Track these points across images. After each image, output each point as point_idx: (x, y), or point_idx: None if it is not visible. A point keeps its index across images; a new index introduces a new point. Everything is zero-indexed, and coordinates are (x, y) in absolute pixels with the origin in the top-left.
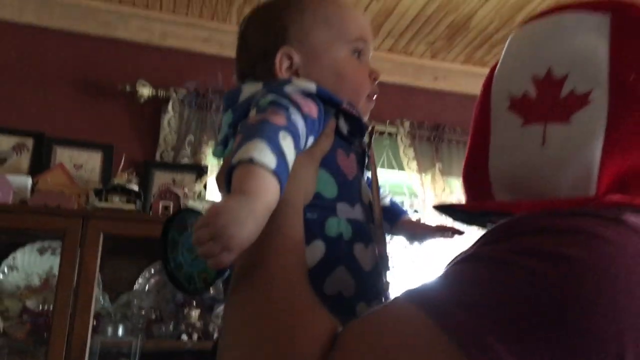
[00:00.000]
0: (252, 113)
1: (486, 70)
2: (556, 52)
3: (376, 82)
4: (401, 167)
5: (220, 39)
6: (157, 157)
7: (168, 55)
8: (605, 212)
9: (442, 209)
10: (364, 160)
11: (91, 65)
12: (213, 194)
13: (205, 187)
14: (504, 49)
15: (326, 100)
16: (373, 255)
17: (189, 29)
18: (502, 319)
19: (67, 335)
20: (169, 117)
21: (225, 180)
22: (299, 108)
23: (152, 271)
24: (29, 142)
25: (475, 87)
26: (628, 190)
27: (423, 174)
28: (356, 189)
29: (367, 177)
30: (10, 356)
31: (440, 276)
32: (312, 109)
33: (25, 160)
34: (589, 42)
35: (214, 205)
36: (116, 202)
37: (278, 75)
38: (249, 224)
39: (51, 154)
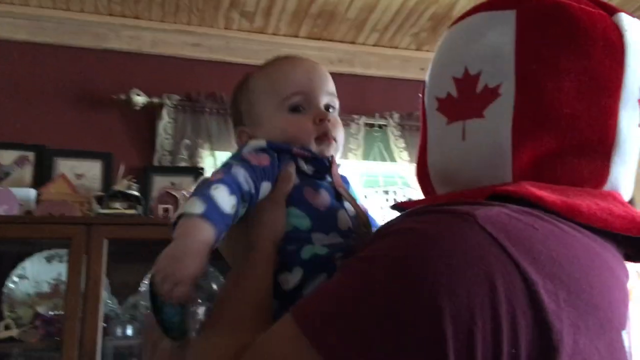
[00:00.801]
0: None
1: None
2: (470, 52)
3: (323, 123)
4: (393, 159)
5: (210, 44)
6: (155, 162)
7: (159, 62)
8: (465, 207)
9: (396, 207)
10: (338, 191)
11: (86, 77)
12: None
13: None
14: (434, 55)
15: (277, 149)
16: None
17: (178, 36)
18: (354, 330)
19: (79, 338)
20: (164, 122)
21: (171, 231)
22: (247, 162)
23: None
24: (31, 156)
25: None
26: (541, 174)
27: (414, 164)
28: (331, 219)
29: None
30: None
31: (324, 285)
32: (262, 160)
33: (28, 173)
34: (497, 38)
35: (161, 253)
36: (118, 208)
37: (238, 146)
38: (186, 259)
39: (52, 166)
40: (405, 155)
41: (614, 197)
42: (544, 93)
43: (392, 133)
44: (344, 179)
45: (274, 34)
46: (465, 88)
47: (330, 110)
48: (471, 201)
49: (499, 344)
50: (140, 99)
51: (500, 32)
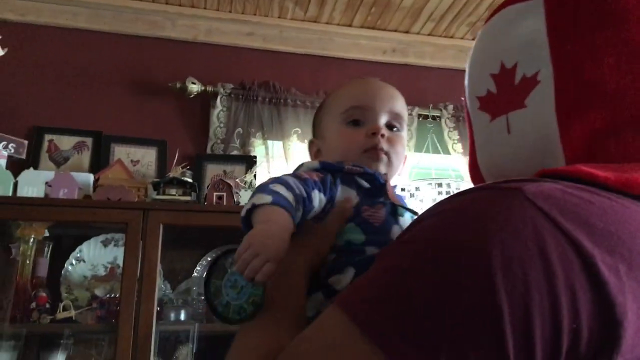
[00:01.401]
0: None
1: None
2: (504, 46)
3: (375, 137)
4: (446, 151)
5: (264, 33)
6: (208, 150)
7: (214, 51)
8: (509, 183)
9: None
10: (395, 208)
11: (142, 65)
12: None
13: (255, 176)
14: (469, 54)
15: (331, 169)
16: None
17: (233, 25)
18: (400, 314)
19: (134, 321)
20: (218, 111)
21: (243, 227)
22: (297, 176)
23: (209, 259)
24: (89, 141)
25: None
26: (594, 155)
27: (468, 157)
28: (385, 234)
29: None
30: (80, 342)
31: (366, 274)
32: (312, 175)
33: (85, 158)
34: (528, 27)
35: (248, 235)
36: (173, 194)
37: (310, 156)
38: (275, 239)
39: (109, 152)
40: (459, 147)
41: None
42: (583, 72)
43: (446, 124)
44: (400, 198)
45: (328, 23)
46: (504, 82)
47: (394, 129)
48: (517, 179)
49: (558, 319)
50: (195, 87)
51: (531, 21)
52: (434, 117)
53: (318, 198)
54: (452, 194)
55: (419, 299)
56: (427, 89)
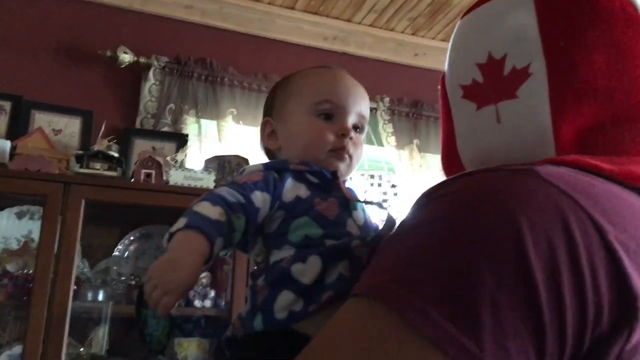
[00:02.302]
0: None
1: None
2: (492, 36)
3: (345, 138)
4: (380, 143)
5: (203, 7)
6: (137, 124)
7: (150, 21)
8: (519, 165)
9: None
10: (347, 202)
11: (72, 29)
12: (193, 162)
13: (185, 155)
14: (450, 42)
15: (275, 169)
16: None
17: None
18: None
19: (49, 300)
20: (150, 84)
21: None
22: (234, 183)
23: (132, 238)
24: (7, 105)
25: None
26: (584, 148)
27: (401, 150)
28: (341, 227)
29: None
30: None
31: (377, 258)
32: (252, 177)
33: (2, 123)
34: (518, 20)
35: (153, 264)
36: (97, 168)
37: (263, 138)
38: (178, 269)
39: (29, 118)
40: (392, 140)
41: None
42: (576, 68)
43: (382, 117)
44: (351, 191)
45: (270, 4)
46: (491, 72)
47: (357, 130)
48: (521, 163)
49: (583, 292)
50: (127, 57)
51: (521, 15)
52: (370, 109)
53: (261, 198)
54: (383, 185)
55: (456, 276)
56: (365, 79)
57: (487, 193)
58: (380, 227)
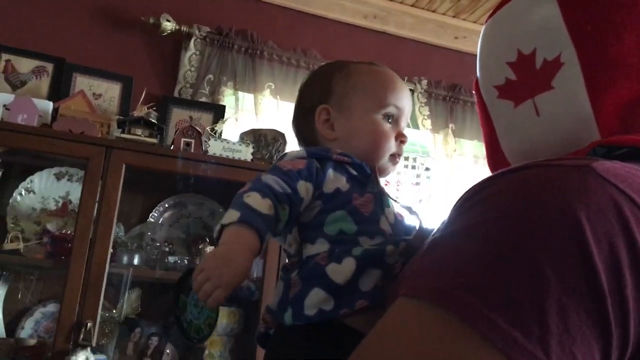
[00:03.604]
0: None
1: None
2: (518, 34)
3: (403, 145)
4: (415, 126)
5: None
6: (176, 93)
7: None
8: (574, 160)
9: None
10: (382, 198)
11: None
12: (229, 134)
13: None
14: (478, 47)
15: (317, 157)
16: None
17: None
18: (485, 285)
19: (87, 261)
20: (190, 54)
21: (215, 242)
22: (279, 169)
23: (167, 205)
24: (49, 67)
25: None
26: (628, 126)
27: (436, 134)
28: (375, 224)
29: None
30: (27, 276)
31: (429, 257)
32: (296, 164)
33: (44, 84)
34: (542, 14)
35: (206, 256)
36: (139, 134)
37: (316, 124)
38: (233, 263)
39: (71, 81)
40: (428, 123)
41: None
42: (607, 49)
43: (418, 99)
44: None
45: None
46: (523, 68)
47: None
48: (574, 157)
49: None
50: (169, 25)
51: (544, 9)
52: None
53: (304, 188)
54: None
55: (521, 281)
56: (403, 60)
57: (544, 190)
58: (413, 229)
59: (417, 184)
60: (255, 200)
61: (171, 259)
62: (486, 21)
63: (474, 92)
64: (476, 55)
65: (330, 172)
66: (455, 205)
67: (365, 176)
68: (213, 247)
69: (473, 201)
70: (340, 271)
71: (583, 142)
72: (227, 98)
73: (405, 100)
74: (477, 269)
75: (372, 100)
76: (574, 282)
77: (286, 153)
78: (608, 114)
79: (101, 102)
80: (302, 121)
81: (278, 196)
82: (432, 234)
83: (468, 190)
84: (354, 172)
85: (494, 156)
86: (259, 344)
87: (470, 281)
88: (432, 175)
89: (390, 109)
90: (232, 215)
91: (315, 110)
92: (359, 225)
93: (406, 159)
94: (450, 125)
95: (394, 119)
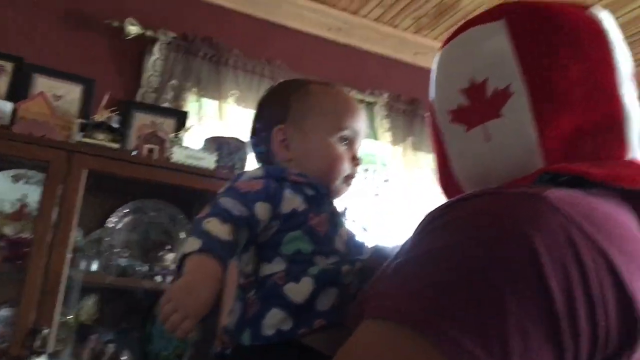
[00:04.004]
0: None
1: None
2: (472, 63)
3: (356, 167)
4: (375, 137)
5: None
6: (138, 98)
7: None
8: (527, 188)
9: None
10: (336, 217)
11: None
12: (193, 140)
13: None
14: (433, 72)
15: (274, 177)
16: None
17: None
18: (446, 303)
19: (45, 266)
20: (154, 59)
21: (177, 271)
22: (236, 190)
23: (126, 211)
24: (8, 66)
25: None
26: (569, 155)
27: (396, 146)
28: (330, 243)
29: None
30: None
31: (395, 280)
32: (253, 185)
33: (3, 84)
34: (494, 46)
35: (171, 286)
36: (101, 139)
37: (273, 144)
38: (198, 293)
39: (30, 82)
40: (387, 136)
41: (638, 163)
42: (553, 82)
43: (379, 112)
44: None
45: None
46: (476, 95)
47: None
48: (524, 184)
49: (595, 318)
50: (133, 29)
51: (496, 40)
52: (368, 103)
53: (263, 209)
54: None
55: (485, 306)
56: (366, 73)
57: (501, 218)
58: (364, 247)
59: (377, 195)
60: (215, 227)
61: (129, 265)
62: (441, 48)
63: (428, 113)
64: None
65: (287, 192)
66: (416, 229)
67: (321, 196)
68: (173, 254)
69: (434, 225)
70: (299, 291)
71: (529, 168)
72: (190, 104)
73: (361, 123)
74: (442, 293)
75: (329, 123)
76: (531, 304)
77: (243, 172)
78: (552, 143)
79: (61, 103)
80: (259, 138)
81: (237, 220)
82: (395, 257)
83: (428, 215)
84: (310, 192)
85: (445, 176)
86: None
87: (436, 304)
88: (391, 186)
89: (346, 133)
90: (193, 243)
91: (273, 129)
92: (315, 244)
93: (366, 170)
94: (409, 138)
95: (349, 142)
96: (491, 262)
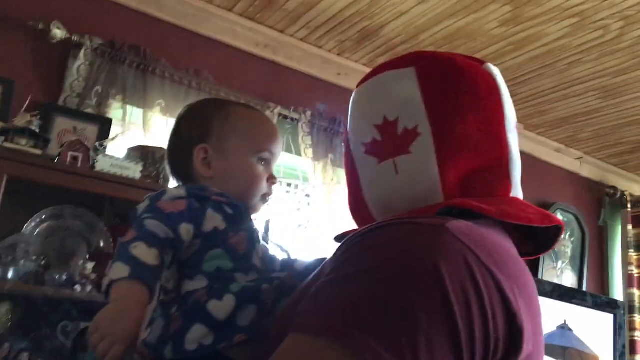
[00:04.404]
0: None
1: None
2: (385, 103)
3: (273, 186)
4: (298, 153)
5: None
6: (60, 102)
7: (86, 1)
8: (432, 219)
9: (341, 238)
10: (253, 235)
11: None
12: (117, 148)
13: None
14: (350, 107)
15: (196, 196)
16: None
17: None
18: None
19: None
20: (79, 63)
21: (105, 296)
22: (160, 211)
23: (43, 217)
24: None
25: None
26: (465, 190)
27: (316, 162)
28: (249, 260)
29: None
30: None
31: (318, 299)
32: (177, 205)
33: None
34: (405, 89)
35: (99, 315)
36: (23, 144)
37: (194, 162)
38: (125, 319)
39: None
40: (310, 152)
41: (519, 201)
42: (453, 127)
43: (302, 129)
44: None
45: (209, 3)
46: (387, 131)
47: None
48: (429, 215)
49: (487, 329)
50: (59, 33)
51: (407, 85)
52: (292, 119)
53: (186, 230)
54: (298, 194)
55: (399, 322)
56: (291, 90)
57: (411, 245)
58: (278, 262)
59: (298, 209)
60: (143, 252)
61: (46, 273)
62: (357, 86)
63: (343, 143)
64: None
65: (209, 211)
66: (337, 253)
67: (240, 215)
68: (93, 263)
69: (354, 251)
70: (221, 308)
71: (431, 199)
72: (115, 111)
73: (278, 145)
74: (361, 310)
75: (249, 144)
76: (438, 318)
77: (164, 191)
78: (451, 180)
79: None
80: (179, 156)
81: (162, 243)
82: (315, 277)
83: (349, 241)
84: (230, 211)
85: (356, 201)
86: None
87: (356, 319)
88: (311, 201)
89: (265, 154)
90: (121, 270)
91: (194, 148)
92: (235, 262)
93: (289, 185)
94: (330, 155)
95: (267, 162)
96: (404, 284)
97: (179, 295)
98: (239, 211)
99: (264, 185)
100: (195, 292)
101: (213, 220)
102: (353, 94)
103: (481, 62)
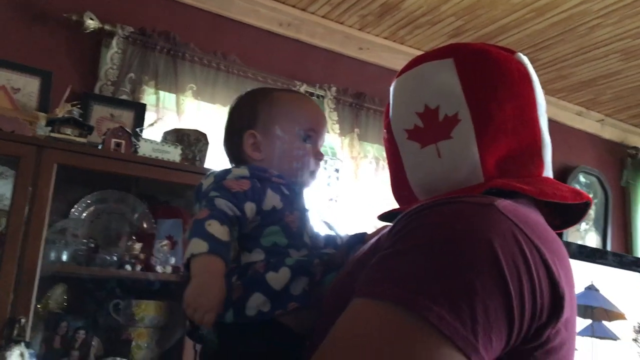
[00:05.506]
0: (196, 209)
1: (406, 48)
2: (426, 92)
3: (319, 162)
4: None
5: None
6: (96, 90)
7: None
8: (481, 199)
9: (385, 216)
10: (305, 214)
11: None
12: (150, 133)
13: (149, 126)
14: (391, 96)
15: (258, 177)
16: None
17: None
18: (430, 287)
19: (19, 259)
20: (112, 52)
21: (185, 268)
22: (228, 190)
23: (89, 201)
24: None
25: (394, 62)
26: (503, 172)
27: (343, 137)
28: (301, 238)
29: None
30: None
31: (382, 268)
32: (242, 185)
33: None
34: (445, 79)
35: (186, 291)
36: (68, 133)
37: (244, 147)
38: (209, 292)
39: None
40: (336, 127)
41: (552, 180)
42: (492, 114)
43: (328, 105)
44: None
45: None
46: (429, 119)
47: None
48: (477, 195)
49: (535, 297)
50: (92, 23)
51: (446, 75)
52: (318, 96)
53: (250, 208)
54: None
55: (459, 290)
56: (315, 67)
57: (465, 222)
58: (325, 239)
59: (328, 184)
60: (217, 230)
61: (97, 254)
62: (397, 77)
63: (385, 130)
64: (377, 66)
65: (269, 191)
66: (394, 228)
67: (295, 195)
68: (141, 244)
69: (413, 226)
70: (278, 279)
71: (472, 181)
72: (148, 97)
73: (321, 123)
74: (425, 279)
75: (293, 124)
76: (493, 289)
77: (229, 169)
78: (490, 163)
79: (20, 96)
80: (232, 142)
81: (232, 220)
82: (370, 250)
83: (405, 217)
84: (286, 192)
85: (400, 184)
86: (191, 339)
87: (421, 287)
88: (340, 176)
89: (310, 133)
90: (200, 245)
91: (243, 134)
92: (289, 239)
93: (325, 162)
94: (355, 130)
95: (312, 140)
96: (461, 257)
97: (238, 266)
98: (294, 192)
99: (310, 161)
100: (254, 264)
101: (272, 200)
102: (393, 83)
103: (512, 51)
